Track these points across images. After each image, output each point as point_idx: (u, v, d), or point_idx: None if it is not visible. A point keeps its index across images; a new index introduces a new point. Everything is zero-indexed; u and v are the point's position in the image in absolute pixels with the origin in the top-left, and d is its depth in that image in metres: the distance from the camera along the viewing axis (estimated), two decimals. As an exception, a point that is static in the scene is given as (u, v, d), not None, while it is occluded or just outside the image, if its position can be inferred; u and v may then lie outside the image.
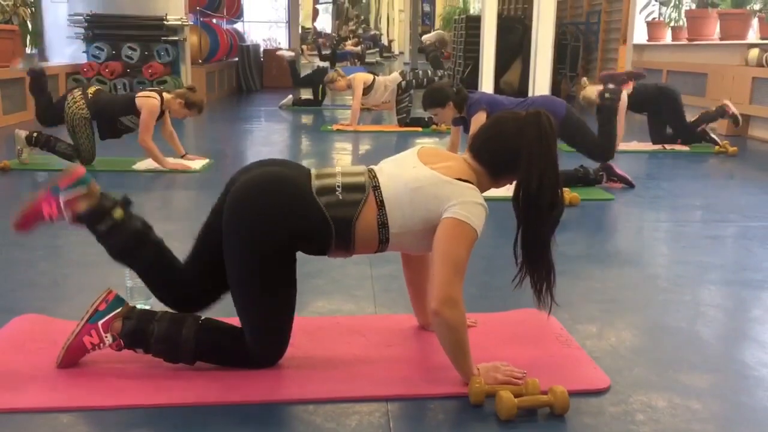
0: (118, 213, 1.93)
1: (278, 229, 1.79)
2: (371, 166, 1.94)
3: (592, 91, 6.03)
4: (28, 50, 7.96)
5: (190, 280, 1.95)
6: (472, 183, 1.84)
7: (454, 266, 1.75)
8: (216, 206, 1.94)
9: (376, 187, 1.84)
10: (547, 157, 1.80)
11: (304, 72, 10.45)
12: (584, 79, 6.50)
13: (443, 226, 1.77)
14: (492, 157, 1.89)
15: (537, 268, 1.85)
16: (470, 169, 1.88)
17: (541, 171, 1.78)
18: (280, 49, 9.31)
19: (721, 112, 6.05)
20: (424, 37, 14.29)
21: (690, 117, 6.10)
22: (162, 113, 4.83)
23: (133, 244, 1.93)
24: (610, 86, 4.37)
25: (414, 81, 7.38)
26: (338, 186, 1.84)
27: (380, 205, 1.82)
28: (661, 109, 6.04)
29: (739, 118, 6.03)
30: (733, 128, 6.13)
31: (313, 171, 1.91)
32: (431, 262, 1.79)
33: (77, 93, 4.80)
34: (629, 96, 5.98)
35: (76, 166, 1.99)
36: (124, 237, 1.92)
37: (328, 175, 1.88)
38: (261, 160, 1.99)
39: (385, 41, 26.37)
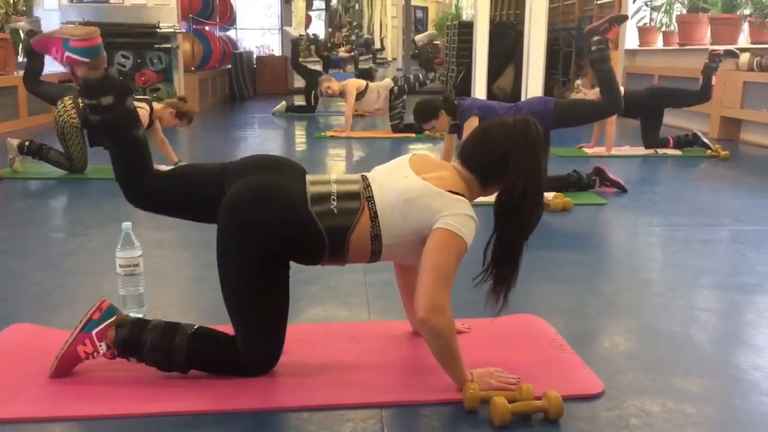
0: (107, 100, 1.90)
1: (270, 240, 1.79)
2: (364, 174, 1.94)
3: (578, 97, 6.06)
4: (19, 59, 7.93)
5: (151, 182, 1.98)
6: (464, 194, 1.84)
7: (441, 276, 1.75)
8: (209, 169, 1.99)
9: (370, 198, 1.84)
10: (533, 163, 1.81)
11: (299, 81, 10.45)
12: (578, 81, 6.53)
13: (434, 236, 1.78)
14: (481, 164, 1.89)
15: (505, 271, 1.85)
16: (461, 178, 1.88)
17: (527, 177, 1.79)
18: (288, 30, 9.45)
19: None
20: (417, 38, 14.33)
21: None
22: (152, 122, 4.83)
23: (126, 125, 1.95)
24: (595, 38, 4.36)
25: (406, 86, 7.38)
26: (333, 195, 1.84)
27: (373, 217, 1.83)
28: (651, 113, 6.07)
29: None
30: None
31: (308, 177, 1.91)
32: (419, 270, 1.79)
33: (68, 101, 4.78)
34: None
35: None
36: (118, 117, 1.93)
37: (322, 182, 1.88)
38: (258, 156, 1.99)
39: (377, 44, 26.38)
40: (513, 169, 1.79)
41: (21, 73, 7.67)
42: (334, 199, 1.83)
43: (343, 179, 1.90)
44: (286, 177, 1.88)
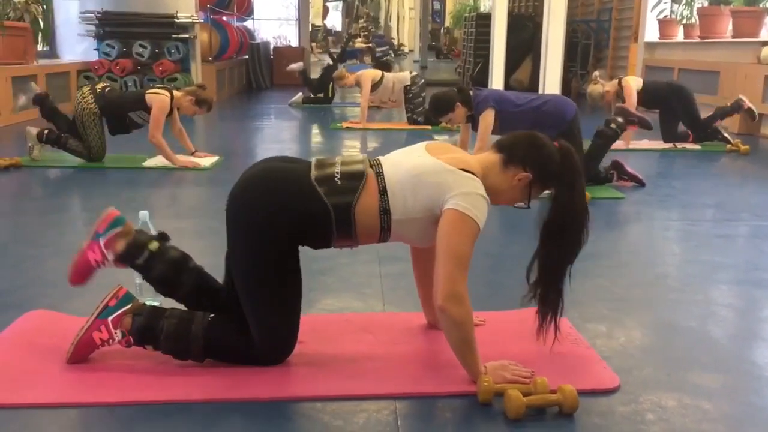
0: (153, 245, 1.93)
1: (279, 219, 1.80)
2: (378, 157, 1.94)
3: (596, 89, 6.01)
4: (39, 47, 7.99)
5: (234, 304, 1.92)
6: (476, 174, 1.83)
7: (457, 261, 1.74)
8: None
9: (380, 174, 1.85)
10: (583, 189, 1.86)
11: (315, 73, 10.42)
12: (596, 73, 6.47)
13: (445, 219, 1.77)
14: (520, 152, 1.88)
15: (551, 294, 1.87)
16: (478, 160, 1.89)
17: (580, 199, 1.84)
18: (290, 64, 9.50)
19: (737, 107, 6.04)
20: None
21: (703, 115, 6.07)
22: (171, 111, 4.84)
23: (172, 273, 1.93)
24: (619, 120, 4.36)
25: (420, 90, 7.34)
26: (337, 173, 1.85)
27: (382, 191, 1.82)
28: (672, 106, 6.02)
29: (755, 111, 6.04)
30: (749, 123, 6.08)
31: (313, 160, 1.92)
32: (436, 258, 1.78)
33: (86, 89, 4.83)
34: (639, 93, 5.95)
35: (109, 209, 1.97)
36: (162, 266, 1.92)
37: (327, 165, 1.89)
38: (263, 158, 2.00)
39: (394, 36, 26.30)
40: (571, 193, 1.83)
41: (41, 62, 7.77)
42: (338, 179, 1.84)
43: (348, 160, 1.91)
44: (290, 162, 1.93)
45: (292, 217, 1.81)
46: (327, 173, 1.85)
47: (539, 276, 1.86)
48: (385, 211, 1.82)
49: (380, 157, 1.94)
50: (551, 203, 1.85)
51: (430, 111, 4.52)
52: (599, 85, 6.06)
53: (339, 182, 1.83)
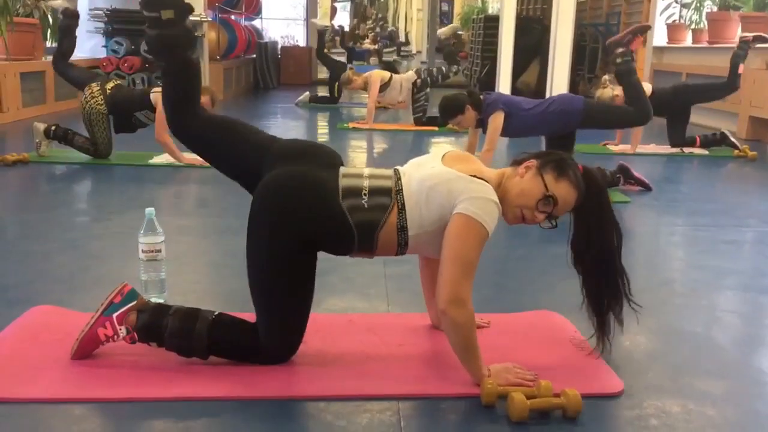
0: (168, 14, 1.96)
1: (302, 232, 1.80)
2: (398, 167, 1.94)
3: (606, 93, 5.99)
4: (48, 44, 8.01)
5: (198, 121, 1.98)
6: (489, 182, 1.83)
7: (462, 266, 1.74)
8: (256, 138, 2.01)
9: (399, 191, 1.85)
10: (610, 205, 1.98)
11: (321, 73, 10.44)
12: (605, 77, 6.46)
13: (453, 223, 1.77)
14: (530, 154, 1.92)
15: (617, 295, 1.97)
16: (493, 172, 1.90)
17: (610, 216, 1.94)
18: (314, 21, 9.43)
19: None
20: (439, 32, 14.55)
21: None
22: None
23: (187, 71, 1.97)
24: (619, 50, 4.33)
25: (429, 79, 7.35)
26: (364, 190, 1.84)
27: (401, 209, 1.83)
28: (678, 111, 5.99)
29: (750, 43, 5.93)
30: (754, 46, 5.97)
31: (341, 170, 1.90)
32: (441, 260, 1.78)
33: (95, 87, 4.82)
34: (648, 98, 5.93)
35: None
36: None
37: (355, 176, 1.88)
38: (299, 143, 1.99)
39: (402, 38, 26.32)
40: (614, 222, 1.92)
41: (49, 58, 7.79)
42: (365, 194, 1.83)
43: (377, 174, 1.90)
44: (321, 169, 1.88)
45: (314, 232, 1.81)
46: (354, 187, 1.84)
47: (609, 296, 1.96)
48: (402, 228, 1.82)
49: (400, 169, 1.93)
50: (576, 221, 1.90)
51: (439, 113, 4.53)
52: (609, 89, 6.03)
53: (365, 202, 1.82)
